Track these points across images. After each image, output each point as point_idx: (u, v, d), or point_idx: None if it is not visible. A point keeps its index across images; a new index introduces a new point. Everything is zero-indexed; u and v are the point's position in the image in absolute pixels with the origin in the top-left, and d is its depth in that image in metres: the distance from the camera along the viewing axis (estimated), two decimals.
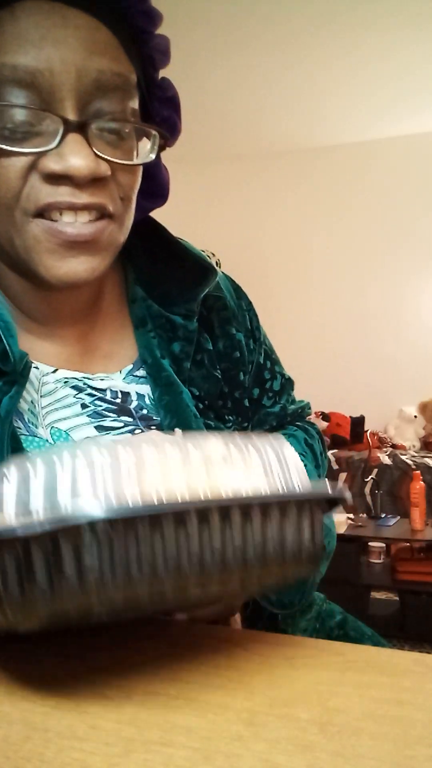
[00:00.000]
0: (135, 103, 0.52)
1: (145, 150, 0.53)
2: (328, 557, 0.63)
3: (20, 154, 0.47)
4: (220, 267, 0.67)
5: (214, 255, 4.27)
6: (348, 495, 0.43)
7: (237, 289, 0.70)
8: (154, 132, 0.52)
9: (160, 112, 0.57)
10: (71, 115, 0.47)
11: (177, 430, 0.56)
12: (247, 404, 0.66)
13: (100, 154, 0.48)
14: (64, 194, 0.48)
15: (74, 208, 0.49)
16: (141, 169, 0.54)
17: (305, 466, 0.64)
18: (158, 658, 0.43)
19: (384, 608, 2.85)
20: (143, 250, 0.65)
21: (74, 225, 0.49)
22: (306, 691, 0.38)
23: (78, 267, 0.51)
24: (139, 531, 0.34)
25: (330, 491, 0.41)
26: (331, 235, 4.67)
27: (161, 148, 0.54)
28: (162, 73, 0.58)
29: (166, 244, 0.64)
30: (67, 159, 0.47)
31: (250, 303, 0.71)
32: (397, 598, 2.79)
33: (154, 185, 0.62)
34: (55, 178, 0.48)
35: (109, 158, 0.49)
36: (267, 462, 0.40)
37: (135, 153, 0.53)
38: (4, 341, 0.52)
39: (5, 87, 0.46)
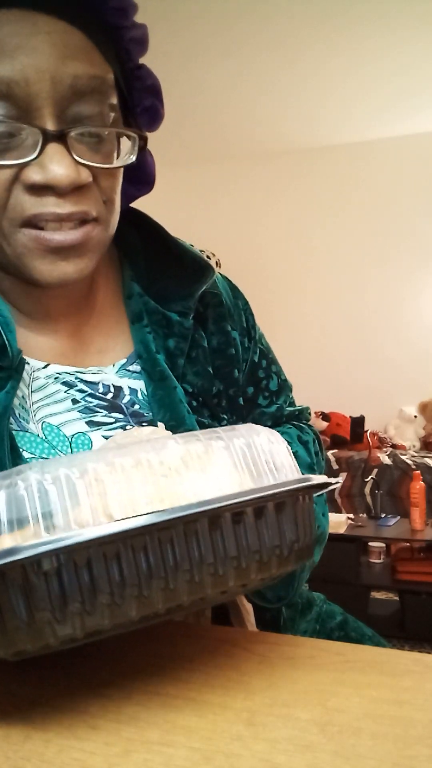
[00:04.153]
0: (114, 103, 0.51)
1: (126, 149, 0.53)
2: (322, 543, 0.62)
3: (1, 167, 0.48)
4: (220, 267, 0.67)
5: (214, 255, 4.27)
6: (336, 480, 0.40)
7: (233, 289, 0.71)
8: (133, 134, 0.52)
9: (142, 102, 0.57)
10: (50, 124, 0.47)
11: (160, 424, 0.56)
12: (241, 402, 0.67)
13: (81, 161, 0.49)
14: (48, 205, 0.49)
15: (59, 219, 0.49)
16: (122, 169, 0.54)
17: (298, 459, 0.64)
18: (158, 658, 0.43)
19: (384, 608, 2.85)
20: (141, 248, 0.65)
21: (60, 233, 0.50)
22: (306, 691, 0.38)
23: (68, 269, 0.52)
24: (92, 561, 0.31)
25: (311, 479, 0.38)
26: (330, 235, 4.67)
27: (141, 147, 0.53)
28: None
29: (163, 242, 0.65)
30: (49, 170, 0.47)
31: (247, 303, 0.71)
32: (397, 598, 2.79)
33: (141, 173, 0.62)
34: (38, 189, 0.48)
35: (89, 164, 0.49)
36: (237, 457, 0.37)
37: (115, 154, 0.53)
38: (4, 336, 0.53)
39: None
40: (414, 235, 4.48)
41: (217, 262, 4.23)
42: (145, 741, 0.33)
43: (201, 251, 0.67)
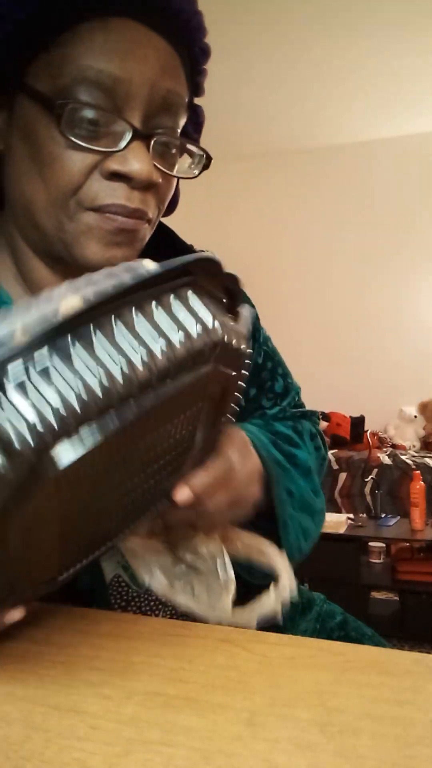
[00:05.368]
0: (184, 122, 0.57)
1: (184, 165, 0.58)
2: (304, 507, 0.64)
3: (90, 151, 0.51)
4: None
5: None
6: (211, 255, 0.39)
7: None
8: (201, 153, 0.58)
9: (191, 135, 0.63)
10: (138, 124, 0.52)
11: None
12: (243, 404, 0.67)
13: (155, 164, 0.53)
14: (119, 197, 0.53)
15: (126, 212, 0.53)
16: (176, 181, 0.59)
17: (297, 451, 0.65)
18: (158, 658, 0.43)
19: (384, 608, 2.85)
20: (154, 252, 0.66)
21: (122, 219, 0.54)
22: (306, 691, 0.38)
23: (117, 254, 0.55)
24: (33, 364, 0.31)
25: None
26: (331, 235, 4.67)
27: (205, 166, 0.59)
28: None
29: (175, 247, 0.67)
30: (131, 163, 0.51)
31: (253, 306, 0.72)
32: (397, 598, 2.79)
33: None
34: (114, 178, 0.52)
35: (161, 168, 0.54)
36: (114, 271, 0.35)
37: (177, 166, 0.58)
38: None
39: (84, 87, 0.50)
40: (415, 235, 4.48)
41: None
42: (145, 741, 0.33)
43: (201, 252, 0.67)
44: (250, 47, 3.32)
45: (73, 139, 0.50)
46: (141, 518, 0.48)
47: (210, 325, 0.37)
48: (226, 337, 0.38)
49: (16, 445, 0.31)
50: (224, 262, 0.41)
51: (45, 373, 0.31)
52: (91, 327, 0.33)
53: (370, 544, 2.97)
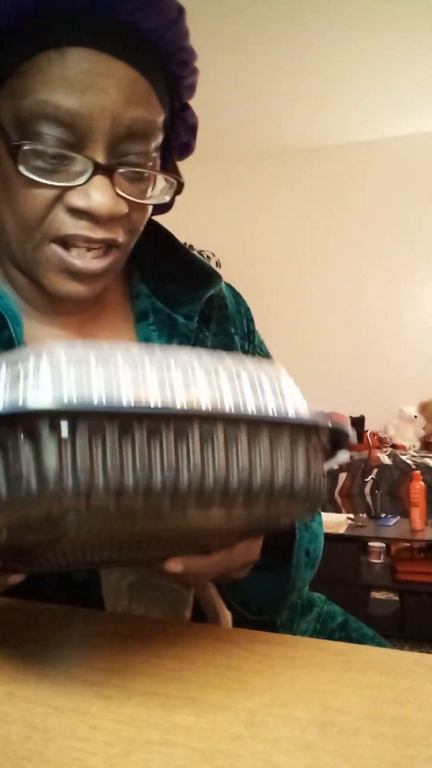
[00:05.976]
0: (159, 143, 0.55)
1: (159, 188, 0.56)
2: (314, 565, 0.63)
3: (50, 187, 0.50)
4: (220, 267, 0.68)
5: (214, 255, 4.27)
6: (350, 430, 0.40)
7: (236, 296, 0.73)
8: (173, 180, 0.56)
9: (180, 138, 0.61)
10: (100, 158, 0.50)
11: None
12: None
13: (122, 194, 0.52)
14: (82, 228, 0.52)
15: (90, 241, 0.52)
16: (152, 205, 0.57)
17: None
18: (158, 658, 0.43)
19: (384, 608, 2.84)
20: (150, 251, 0.66)
21: (84, 260, 0.53)
22: (306, 691, 0.38)
23: (80, 289, 0.55)
24: (106, 434, 0.31)
25: (329, 422, 0.38)
26: (330, 235, 4.67)
27: (177, 192, 0.57)
28: None
29: (171, 247, 0.67)
30: (92, 198, 0.50)
31: (248, 309, 0.73)
32: (397, 598, 2.79)
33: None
34: (77, 212, 0.51)
35: (129, 198, 0.52)
36: (257, 381, 0.36)
37: (150, 189, 0.56)
38: (11, 329, 0.56)
39: (43, 121, 0.49)
40: (413, 235, 4.47)
41: (216, 262, 4.23)
42: (145, 741, 0.33)
43: (201, 252, 0.68)
44: (249, 46, 3.32)
45: (31, 176, 0.49)
46: (125, 562, 0.49)
47: (300, 481, 0.36)
48: (305, 493, 0.37)
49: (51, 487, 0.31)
50: (222, 264, 0.41)
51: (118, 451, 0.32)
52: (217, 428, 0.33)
53: (370, 544, 2.97)
